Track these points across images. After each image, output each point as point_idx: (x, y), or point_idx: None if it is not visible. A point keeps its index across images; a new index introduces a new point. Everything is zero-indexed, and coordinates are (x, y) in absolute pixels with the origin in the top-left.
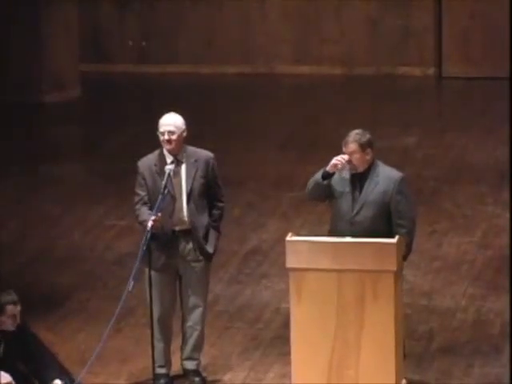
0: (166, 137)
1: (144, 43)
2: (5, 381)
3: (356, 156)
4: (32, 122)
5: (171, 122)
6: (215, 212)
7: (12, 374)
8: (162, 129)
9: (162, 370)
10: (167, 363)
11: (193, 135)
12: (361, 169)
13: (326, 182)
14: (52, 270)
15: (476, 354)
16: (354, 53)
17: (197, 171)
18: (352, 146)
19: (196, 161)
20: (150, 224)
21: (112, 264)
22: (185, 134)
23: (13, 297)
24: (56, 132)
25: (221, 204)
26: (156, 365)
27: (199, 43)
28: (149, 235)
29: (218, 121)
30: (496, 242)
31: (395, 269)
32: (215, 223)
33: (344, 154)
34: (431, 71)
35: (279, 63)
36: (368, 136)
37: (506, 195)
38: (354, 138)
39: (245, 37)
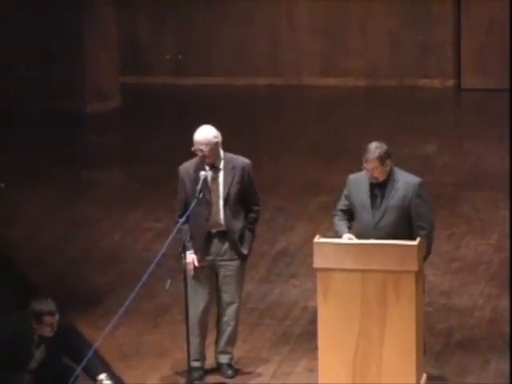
0: (200, 153)
1: (180, 57)
2: None
3: (377, 170)
4: (75, 130)
5: (201, 140)
6: (251, 215)
7: (57, 371)
8: (195, 146)
9: (197, 364)
10: (202, 357)
11: (226, 143)
12: (381, 179)
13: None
14: (93, 269)
15: (492, 349)
16: (377, 66)
17: (234, 177)
18: (373, 163)
19: (233, 168)
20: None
21: (149, 264)
22: (218, 143)
23: (50, 306)
24: (97, 140)
25: (256, 208)
26: (191, 359)
27: (232, 57)
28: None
29: (249, 130)
30: None
31: (416, 269)
32: (251, 226)
33: (364, 168)
34: (450, 83)
35: (307, 75)
36: (385, 148)
37: None
38: (374, 154)
39: (274, 50)
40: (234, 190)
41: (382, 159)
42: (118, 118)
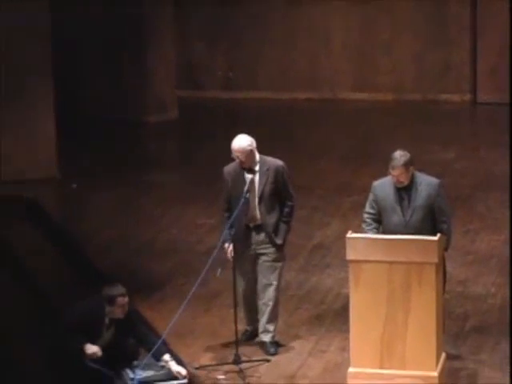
0: (237, 160)
1: (230, 73)
2: (89, 351)
3: (402, 175)
4: (138, 138)
5: (237, 149)
6: (285, 210)
7: (124, 352)
8: (233, 154)
9: (248, 327)
10: (252, 324)
11: (269, 149)
12: (406, 183)
13: None
14: (153, 259)
15: (502, 332)
16: (402, 82)
17: (268, 178)
18: (399, 170)
19: (267, 169)
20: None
21: (202, 255)
22: (252, 150)
23: (121, 289)
24: (157, 146)
25: (290, 203)
26: (245, 325)
27: (276, 73)
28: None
29: (290, 138)
30: None
31: (436, 261)
32: (285, 219)
33: (391, 174)
34: (467, 98)
35: (341, 90)
36: (408, 155)
37: None
38: (399, 161)
39: (313, 68)
40: (267, 189)
41: (406, 166)
42: (176, 128)
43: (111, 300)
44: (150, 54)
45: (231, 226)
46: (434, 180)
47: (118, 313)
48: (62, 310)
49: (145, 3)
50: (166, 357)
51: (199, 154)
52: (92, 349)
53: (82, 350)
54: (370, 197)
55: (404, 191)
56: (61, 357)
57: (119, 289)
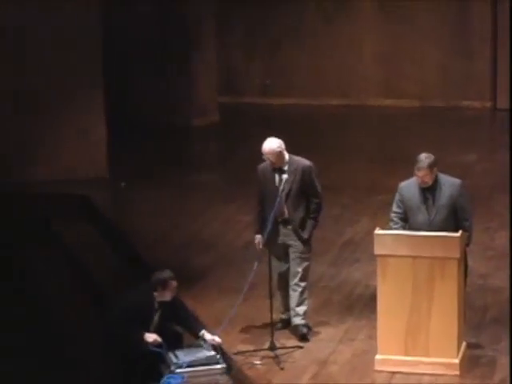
0: (268, 161)
1: (268, 81)
2: (150, 339)
3: (427, 176)
4: (183, 140)
5: (268, 150)
6: (312, 207)
7: (167, 334)
8: (264, 156)
9: (283, 316)
10: (286, 310)
11: (303, 150)
12: (430, 183)
13: None
14: (196, 253)
15: None
16: (427, 89)
17: (295, 177)
18: (424, 171)
19: (295, 169)
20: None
21: (240, 249)
22: (281, 151)
23: (171, 274)
24: (200, 148)
25: (316, 200)
26: (279, 314)
27: (310, 81)
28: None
29: (322, 140)
30: None
31: (458, 256)
32: (312, 215)
33: (416, 175)
34: (488, 104)
35: (370, 97)
36: (433, 158)
37: None
38: (424, 163)
39: (344, 76)
40: (295, 187)
41: (430, 167)
42: (217, 131)
43: (164, 283)
44: (194, 64)
45: (265, 221)
46: (456, 181)
47: (168, 296)
48: (113, 299)
49: (190, 19)
50: (203, 331)
51: (238, 155)
52: (152, 337)
53: (143, 339)
54: (397, 197)
55: (428, 191)
56: (117, 344)
57: (170, 273)
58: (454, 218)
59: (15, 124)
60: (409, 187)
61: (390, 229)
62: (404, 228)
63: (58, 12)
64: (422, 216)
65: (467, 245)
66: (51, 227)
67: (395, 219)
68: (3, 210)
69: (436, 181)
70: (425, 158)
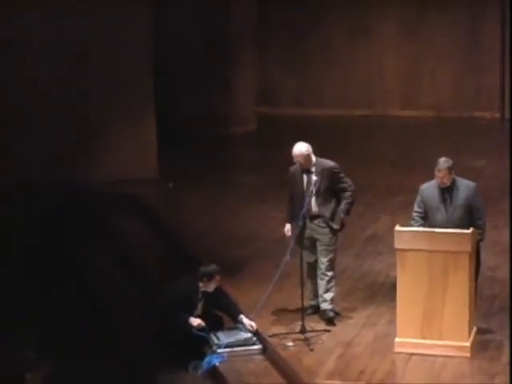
0: (298, 163)
1: (299, 95)
2: (195, 323)
3: (446, 177)
4: (224, 146)
5: (298, 154)
6: (343, 200)
7: (209, 318)
8: (294, 158)
9: (312, 302)
10: (315, 296)
11: (331, 155)
12: (448, 184)
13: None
14: (235, 246)
15: None
16: (442, 101)
17: (322, 177)
18: (443, 172)
19: (322, 170)
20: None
21: (274, 243)
22: (309, 154)
23: (217, 268)
24: (240, 153)
25: (348, 193)
26: (309, 300)
27: (337, 94)
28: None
29: (348, 146)
30: None
31: (470, 250)
32: (344, 207)
33: (437, 176)
34: (497, 115)
35: (390, 108)
36: (451, 162)
37: None
38: (444, 165)
39: (368, 90)
40: (322, 186)
41: (449, 169)
42: (255, 138)
43: (209, 276)
44: (235, 79)
45: (295, 216)
46: (471, 183)
47: (212, 287)
48: (162, 288)
49: (232, 38)
50: (241, 316)
51: (273, 159)
52: (196, 321)
53: (188, 323)
54: (418, 198)
55: (446, 192)
56: (166, 328)
57: (215, 267)
58: (469, 217)
59: (81, 132)
60: (429, 189)
61: (411, 226)
62: (423, 226)
63: (111, 13)
64: (440, 215)
65: (480, 240)
66: (110, 222)
67: (416, 218)
68: (70, 206)
69: (453, 183)
70: (444, 161)
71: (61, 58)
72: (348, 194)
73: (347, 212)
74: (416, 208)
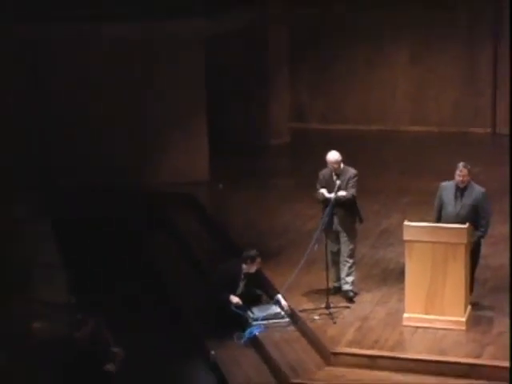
0: (332, 167)
1: (325, 112)
2: (234, 301)
3: (465, 177)
4: (263, 155)
5: (332, 160)
6: (343, 195)
7: (250, 295)
8: (328, 164)
9: (336, 284)
10: (337, 279)
11: (352, 163)
12: (464, 184)
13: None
14: (272, 237)
15: None
16: (444, 119)
17: (345, 180)
18: (464, 172)
19: (345, 174)
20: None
21: (305, 234)
22: (340, 161)
23: (258, 252)
24: (276, 161)
25: (351, 194)
26: (333, 282)
27: (356, 112)
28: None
29: (366, 156)
30: None
31: (466, 242)
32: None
33: (458, 174)
34: (489, 130)
35: (401, 124)
36: (469, 167)
37: None
38: (465, 167)
39: (382, 108)
40: (343, 187)
41: (469, 171)
42: (288, 149)
43: (252, 258)
44: (272, 99)
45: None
46: (482, 189)
47: (254, 268)
48: (211, 269)
49: (270, 64)
50: (279, 296)
51: (304, 166)
52: (235, 299)
53: (229, 300)
54: (438, 192)
55: (460, 191)
56: (213, 304)
57: (256, 252)
58: (475, 215)
59: (146, 142)
60: (447, 186)
61: (427, 216)
62: (440, 218)
63: (174, 59)
64: (451, 208)
65: (482, 237)
66: (169, 216)
67: (436, 214)
68: (135, 203)
69: (467, 185)
70: (464, 164)
71: (127, 84)
72: (351, 194)
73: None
74: (436, 202)
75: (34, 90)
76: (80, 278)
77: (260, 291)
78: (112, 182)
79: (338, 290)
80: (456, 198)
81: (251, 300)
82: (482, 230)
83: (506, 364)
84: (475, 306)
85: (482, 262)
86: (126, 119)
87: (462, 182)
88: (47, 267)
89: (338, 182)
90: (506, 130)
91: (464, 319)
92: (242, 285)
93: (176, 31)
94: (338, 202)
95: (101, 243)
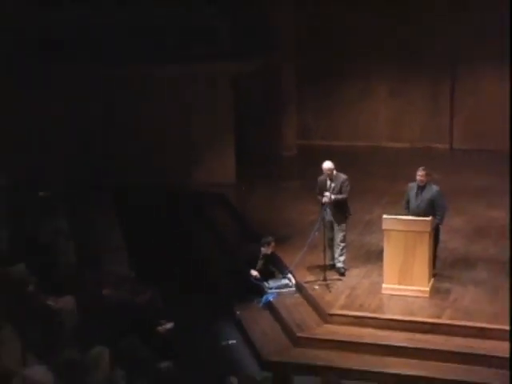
0: (326, 174)
1: (325, 132)
2: (254, 274)
3: (424, 177)
4: (276, 164)
5: (329, 167)
6: (339, 197)
7: (266, 271)
8: (324, 170)
9: (331, 262)
10: (332, 259)
11: (342, 170)
12: (423, 183)
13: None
14: (283, 227)
15: (464, 268)
16: (415, 137)
17: (336, 184)
18: (422, 173)
19: (338, 179)
20: (325, 200)
21: (308, 225)
22: (334, 168)
23: (272, 238)
24: (286, 168)
25: (343, 195)
26: (329, 261)
27: (349, 132)
28: (324, 210)
29: (354, 166)
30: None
31: (429, 230)
32: (338, 196)
33: (418, 175)
34: (447, 146)
35: (381, 141)
36: (427, 170)
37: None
38: (423, 170)
39: (368, 130)
40: (336, 189)
41: (426, 173)
42: (296, 159)
43: (268, 243)
44: (283, 121)
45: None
46: (436, 187)
47: (269, 251)
48: (239, 251)
49: (283, 90)
50: (288, 271)
51: (308, 173)
52: (254, 273)
53: (251, 274)
54: (406, 191)
55: (420, 190)
56: (239, 277)
57: (272, 238)
58: (432, 208)
59: (190, 153)
60: (412, 185)
61: (401, 211)
62: (408, 210)
63: (211, 89)
64: (413, 202)
65: (440, 224)
66: (205, 211)
67: (404, 205)
68: (182, 200)
69: (426, 184)
70: (423, 168)
71: (176, 110)
72: (344, 195)
73: (347, 204)
74: (405, 196)
75: (108, 115)
76: (139, 257)
77: (274, 268)
78: (163, 182)
79: (332, 267)
80: (417, 194)
81: (267, 274)
82: (439, 218)
83: (460, 323)
84: (436, 276)
85: (441, 245)
86: (176, 136)
87: (421, 181)
88: (114, 248)
89: (332, 185)
90: (460, 146)
91: (428, 289)
92: (260, 263)
93: (213, 70)
94: (336, 201)
95: (156, 230)
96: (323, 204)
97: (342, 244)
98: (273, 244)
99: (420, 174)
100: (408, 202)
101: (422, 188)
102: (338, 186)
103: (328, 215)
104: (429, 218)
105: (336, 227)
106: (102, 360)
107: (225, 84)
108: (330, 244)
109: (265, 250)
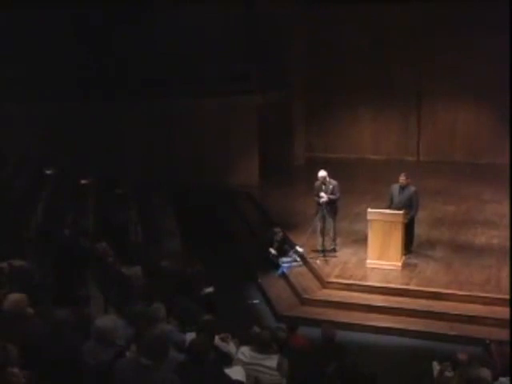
0: (321, 180)
1: (325, 147)
2: (272, 251)
3: (405, 180)
4: (288, 171)
5: (320, 176)
6: (333, 198)
7: (281, 249)
8: (319, 178)
9: (321, 248)
10: (323, 245)
11: (334, 177)
12: (404, 184)
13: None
14: (292, 217)
15: (431, 248)
16: (390, 151)
17: (329, 188)
18: (403, 176)
19: (330, 184)
20: (322, 200)
21: (311, 216)
22: (327, 175)
23: (280, 229)
24: (296, 174)
25: (336, 196)
26: (319, 246)
27: (341, 146)
28: (321, 206)
29: (345, 172)
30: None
31: (402, 221)
32: (335, 200)
33: (400, 178)
34: (415, 158)
35: (367, 154)
36: (407, 174)
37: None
38: (405, 174)
39: (356, 145)
40: (329, 192)
41: (406, 176)
42: (303, 167)
43: (278, 232)
44: (294, 138)
45: (320, 205)
46: (414, 187)
47: (279, 236)
48: (261, 235)
49: (292, 120)
50: (297, 247)
51: (311, 178)
52: (273, 250)
53: (269, 251)
54: (389, 190)
55: (402, 189)
56: (259, 252)
57: (279, 229)
58: (410, 204)
59: (225, 161)
60: (394, 186)
61: (384, 206)
62: (391, 205)
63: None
64: (396, 199)
65: (413, 216)
66: (237, 205)
67: (388, 201)
68: (219, 197)
69: (407, 185)
70: (405, 174)
71: (213, 132)
72: (336, 196)
73: (336, 203)
74: (389, 196)
75: (171, 135)
76: (189, 238)
77: (287, 246)
78: (203, 182)
79: (322, 252)
80: (399, 193)
81: (282, 251)
82: (412, 212)
83: (423, 289)
84: (407, 254)
85: (416, 231)
86: (215, 149)
87: (403, 183)
88: (171, 232)
89: (329, 188)
90: (425, 158)
91: (400, 263)
92: (276, 244)
93: (243, 102)
94: (330, 200)
95: (199, 221)
96: (320, 204)
97: (333, 230)
98: (281, 232)
99: (402, 177)
100: (391, 199)
101: (403, 188)
102: (330, 189)
103: (323, 211)
104: (401, 212)
105: (328, 219)
106: (160, 313)
107: (252, 112)
108: (322, 232)
109: (277, 236)
